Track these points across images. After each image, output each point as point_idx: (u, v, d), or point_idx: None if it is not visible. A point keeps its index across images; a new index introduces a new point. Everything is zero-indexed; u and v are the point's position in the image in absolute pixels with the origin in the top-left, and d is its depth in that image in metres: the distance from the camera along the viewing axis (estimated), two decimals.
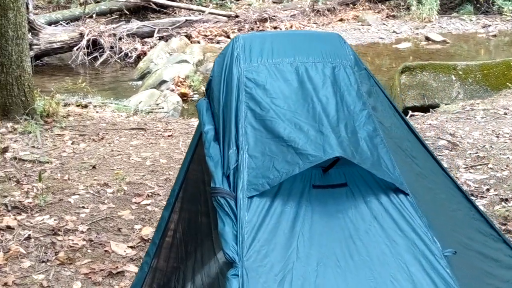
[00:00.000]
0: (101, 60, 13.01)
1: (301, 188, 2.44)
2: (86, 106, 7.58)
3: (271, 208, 2.35)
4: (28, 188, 5.10)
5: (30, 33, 12.35)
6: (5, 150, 5.76)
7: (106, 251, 4.29)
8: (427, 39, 15.02)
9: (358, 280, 2.25)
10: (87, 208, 4.84)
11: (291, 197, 2.40)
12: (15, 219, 4.57)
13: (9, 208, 4.73)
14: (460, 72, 9.03)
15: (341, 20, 16.86)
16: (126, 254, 4.25)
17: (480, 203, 4.95)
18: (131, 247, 4.33)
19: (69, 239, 4.38)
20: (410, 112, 8.08)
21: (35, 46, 12.60)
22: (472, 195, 5.11)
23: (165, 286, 3.05)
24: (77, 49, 13.03)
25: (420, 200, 2.53)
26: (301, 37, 2.91)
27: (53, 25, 14.14)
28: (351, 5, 17.94)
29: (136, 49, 13.34)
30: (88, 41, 13.09)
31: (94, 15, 14.76)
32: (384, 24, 16.59)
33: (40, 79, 11.42)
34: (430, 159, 3.08)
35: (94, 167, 5.67)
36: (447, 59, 12.27)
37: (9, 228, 4.45)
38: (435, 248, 2.34)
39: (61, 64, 13.21)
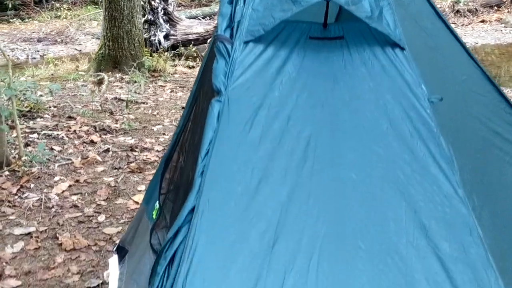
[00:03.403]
0: None
1: (297, 38, 2.54)
2: (193, 67, 7.96)
3: (264, 51, 2.47)
4: (119, 117, 5.50)
5: (168, 24, 13.12)
6: (101, 82, 6.23)
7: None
8: None
9: (334, 111, 2.31)
10: (167, 135, 5.15)
11: (286, 44, 2.51)
12: (100, 137, 4.96)
13: (97, 129, 5.14)
14: None
15: (482, 21, 16.30)
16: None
17: None
18: None
19: (143, 155, 4.68)
20: None
21: (172, 37, 13.29)
22: None
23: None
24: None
25: (421, 60, 2.52)
26: None
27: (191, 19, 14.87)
28: (495, 7, 17.32)
29: None
30: None
31: None
32: None
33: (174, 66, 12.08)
34: (458, 47, 3.02)
35: (183, 107, 5.98)
36: None
37: (92, 142, 4.84)
38: (419, 92, 2.34)
39: (195, 55, 13.83)
